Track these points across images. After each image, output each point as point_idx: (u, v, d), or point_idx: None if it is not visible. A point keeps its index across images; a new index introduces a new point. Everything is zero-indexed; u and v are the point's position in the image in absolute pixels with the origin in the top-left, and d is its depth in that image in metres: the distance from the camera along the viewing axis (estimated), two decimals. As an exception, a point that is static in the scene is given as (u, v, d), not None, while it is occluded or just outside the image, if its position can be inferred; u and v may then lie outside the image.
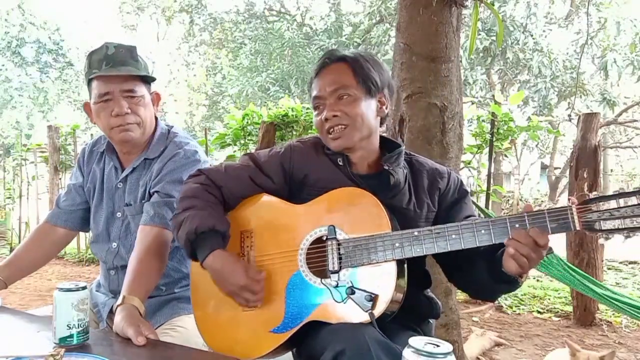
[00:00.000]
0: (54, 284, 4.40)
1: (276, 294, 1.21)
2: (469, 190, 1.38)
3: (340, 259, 1.16)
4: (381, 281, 1.13)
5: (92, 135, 6.56)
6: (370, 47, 11.95)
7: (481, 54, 10.50)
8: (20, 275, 1.59)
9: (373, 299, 1.10)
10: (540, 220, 1.05)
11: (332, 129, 1.26)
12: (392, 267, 1.13)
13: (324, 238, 1.19)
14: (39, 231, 1.66)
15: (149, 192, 1.50)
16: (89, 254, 5.81)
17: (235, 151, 5.09)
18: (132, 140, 1.50)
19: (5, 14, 16.30)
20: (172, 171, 1.48)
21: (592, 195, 1.03)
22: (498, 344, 3.18)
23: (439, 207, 1.31)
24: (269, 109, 4.96)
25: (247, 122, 4.86)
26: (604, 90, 10.97)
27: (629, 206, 0.99)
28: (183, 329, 1.46)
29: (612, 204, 1.00)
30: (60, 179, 6.19)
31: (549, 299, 4.21)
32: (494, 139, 4.25)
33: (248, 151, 4.78)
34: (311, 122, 4.40)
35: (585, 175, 3.45)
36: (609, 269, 5.61)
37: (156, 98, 1.57)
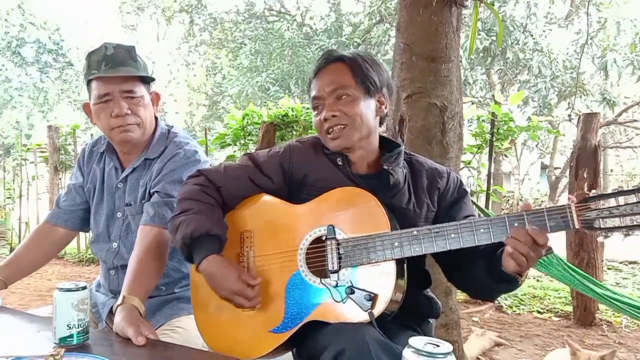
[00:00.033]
0: (54, 284, 4.40)
1: (276, 294, 1.21)
2: (468, 190, 1.38)
3: (339, 258, 1.16)
4: (380, 281, 1.13)
5: (92, 135, 6.56)
6: (370, 47, 11.95)
7: (481, 54, 10.50)
8: (20, 275, 1.59)
9: (372, 298, 1.10)
10: (539, 219, 1.05)
11: (331, 129, 1.26)
12: (392, 266, 1.13)
13: (324, 238, 1.19)
14: (39, 231, 1.66)
15: (149, 192, 1.50)
16: (89, 254, 5.82)
17: (235, 151, 5.09)
18: (132, 141, 1.50)
19: (5, 14, 16.31)
20: (172, 171, 1.48)
21: (591, 193, 1.03)
22: (498, 344, 3.18)
23: (438, 207, 1.31)
24: (269, 109, 4.96)
25: (247, 122, 4.87)
26: (604, 90, 10.97)
27: (628, 204, 0.99)
28: (183, 330, 1.46)
29: (611, 202, 1.00)
30: (60, 179, 6.20)
31: (549, 299, 4.21)
32: (494, 139, 4.25)
33: (248, 151, 4.78)
34: (311, 122, 4.40)
35: (585, 175, 3.45)
36: (609, 269, 5.60)
37: (156, 98, 1.57)
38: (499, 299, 4.07)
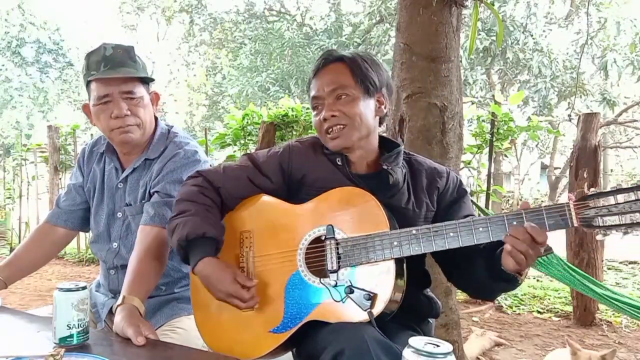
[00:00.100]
0: (54, 284, 4.41)
1: (275, 294, 1.21)
2: (468, 190, 1.38)
3: (339, 258, 1.16)
4: (380, 280, 1.13)
5: (92, 135, 6.56)
6: (370, 47, 11.96)
7: (481, 54, 10.51)
8: (20, 275, 1.59)
9: (372, 298, 1.10)
10: (538, 218, 1.05)
11: (330, 129, 1.26)
12: (391, 266, 1.13)
13: (323, 238, 1.19)
14: (39, 231, 1.66)
15: (149, 192, 1.50)
16: (89, 254, 5.82)
17: (235, 151, 5.09)
18: (133, 142, 1.50)
19: (5, 14, 16.32)
20: (172, 171, 1.48)
21: (590, 191, 1.03)
22: (498, 344, 3.18)
23: (438, 207, 1.31)
24: (269, 109, 4.96)
25: (247, 122, 4.87)
26: (604, 90, 10.97)
27: (627, 202, 0.98)
28: (183, 330, 1.46)
29: (610, 200, 1.00)
30: (60, 179, 6.20)
31: (549, 299, 4.21)
32: (494, 139, 4.25)
33: (248, 151, 4.78)
34: (311, 122, 4.40)
35: (585, 175, 3.45)
36: (609, 269, 5.60)
37: (155, 98, 1.57)
38: (499, 299, 4.07)
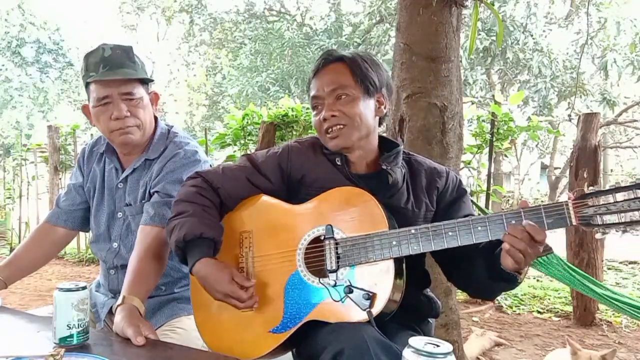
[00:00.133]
0: (54, 284, 4.41)
1: (275, 294, 1.21)
2: (467, 190, 1.38)
3: (338, 258, 1.16)
4: (379, 280, 1.13)
5: (92, 135, 6.57)
6: (370, 47, 11.95)
7: (481, 54, 10.50)
8: (20, 275, 1.59)
9: (371, 297, 1.10)
10: (536, 216, 1.05)
11: (330, 129, 1.26)
12: (390, 265, 1.13)
13: (322, 237, 1.19)
14: (39, 231, 1.66)
15: (149, 192, 1.50)
16: (89, 254, 5.82)
17: (235, 151, 5.09)
18: (133, 143, 1.50)
19: (5, 14, 16.32)
20: (172, 171, 1.48)
21: (589, 190, 1.02)
22: (498, 344, 3.18)
23: (437, 207, 1.32)
24: (269, 109, 4.96)
25: (247, 122, 4.87)
26: (604, 90, 10.96)
27: (626, 200, 0.98)
28: (182, 330, 1.46)
29: (609, 198, 1.00)
30: (60, 179, 6.20)
31: (549, 299, 4.21)
32: (494, 139, 4.25)
33: (248, 151, 4.78)
34: (311, 122, 4.39)
35: (585, 175, 3.45)
36: (609, 269, 5.60)
37: (155, 98, 1.57)
38: (498, 298, 4.07)
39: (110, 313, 1.43)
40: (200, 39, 16.44)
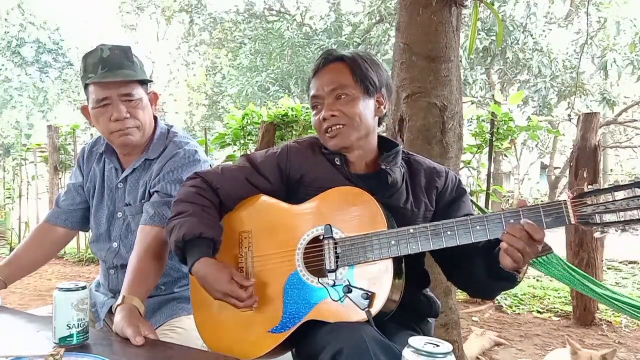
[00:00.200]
0: (54, 284, 4.41)
1: (274, 294, 1.21)
2: (467, 190, 1.38)
3: (337, 258, 1.16)
4: (378, 279, 1.13)
5: (92, 135, 6.55)
6: (370, 47, 11.95)
7: (481, 54, 10.50)
8: (20, 275, 1.59)
9: (370, 297, 1.10)
10: (535, 215, 1.04)
11: (330, 129, 1.26)
12: (389, 265, 1.13)
13: (321, 237, 1.19)
14: (39, 231, 1.66)
15: (149, 192, 1.50)
16: (89, 254, 5.82)
17: (235, 151, 5.09)
18: (133, 144, 1.50)
19: (5, 14, 16.32)
20: (172, 171, 1.48)
21: (588, 188, 1.02)
22: (498, 344, 3.18)
23: (437, 206, 1.32)
24: (269, 109, 4.96)
25: (247, 122, 4.87)
26: (604, 90, 10.96)
27: (625, 199, 0.98)
28: (182, 330, 1.46)
29: (608, 197, 1.00)
30: (60, 179, 6.20)
31: (549, 299, 4.21)
32: (494, 139, 4.25)
33: (248, 151, 4.78)
34: (311, 122, 4.39)
35: (585, 175, 3.45)
36: (609, 269, 5.60)
37: (154, 98, 1.57)
38: (498, 298, 4.07)
39: (110, 313, 1.43)
40: (200, 39, 16.44)
